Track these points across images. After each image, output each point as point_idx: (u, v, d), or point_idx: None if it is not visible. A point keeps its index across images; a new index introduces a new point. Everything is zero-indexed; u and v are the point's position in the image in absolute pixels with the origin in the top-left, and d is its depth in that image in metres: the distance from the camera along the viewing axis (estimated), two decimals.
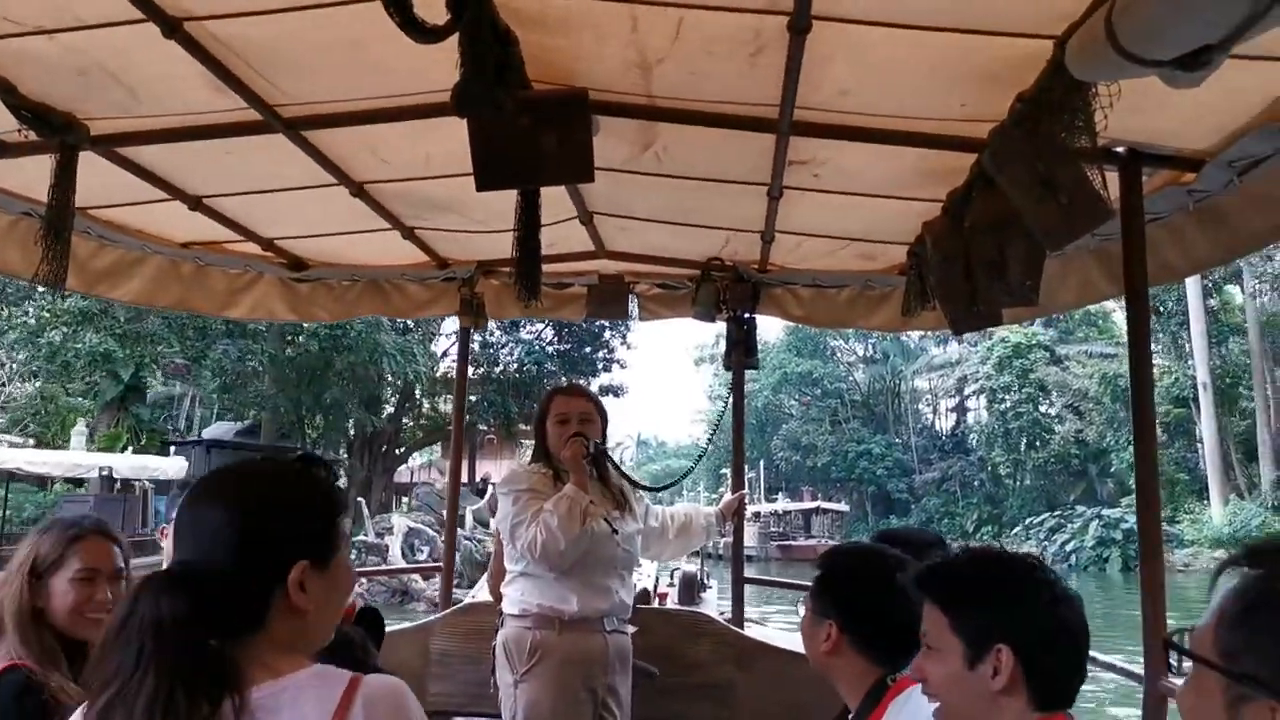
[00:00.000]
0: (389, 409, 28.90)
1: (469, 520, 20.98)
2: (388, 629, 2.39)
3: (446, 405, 29.11)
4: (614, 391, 29.14)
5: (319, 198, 3.08)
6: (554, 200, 2.95)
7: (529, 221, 2.61)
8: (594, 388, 28.69)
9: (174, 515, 1.15)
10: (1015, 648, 1.33)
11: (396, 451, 30.15)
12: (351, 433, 27.81)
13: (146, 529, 20.93)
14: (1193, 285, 31.33)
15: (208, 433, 28.38)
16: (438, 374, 28.38)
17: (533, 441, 3.21)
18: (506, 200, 2.69)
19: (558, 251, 3.63)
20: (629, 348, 30.58)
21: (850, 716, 1.84)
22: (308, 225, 3.48)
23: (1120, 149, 2.36)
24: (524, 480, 2.94)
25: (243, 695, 1.04)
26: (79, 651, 2.03)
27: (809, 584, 1.97)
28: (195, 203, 3.04)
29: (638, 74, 2.29)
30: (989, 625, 1.36)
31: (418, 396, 29.20)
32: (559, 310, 4.26)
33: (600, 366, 29.57)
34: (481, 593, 3.83)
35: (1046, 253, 2.35)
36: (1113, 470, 38.53)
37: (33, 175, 2.56)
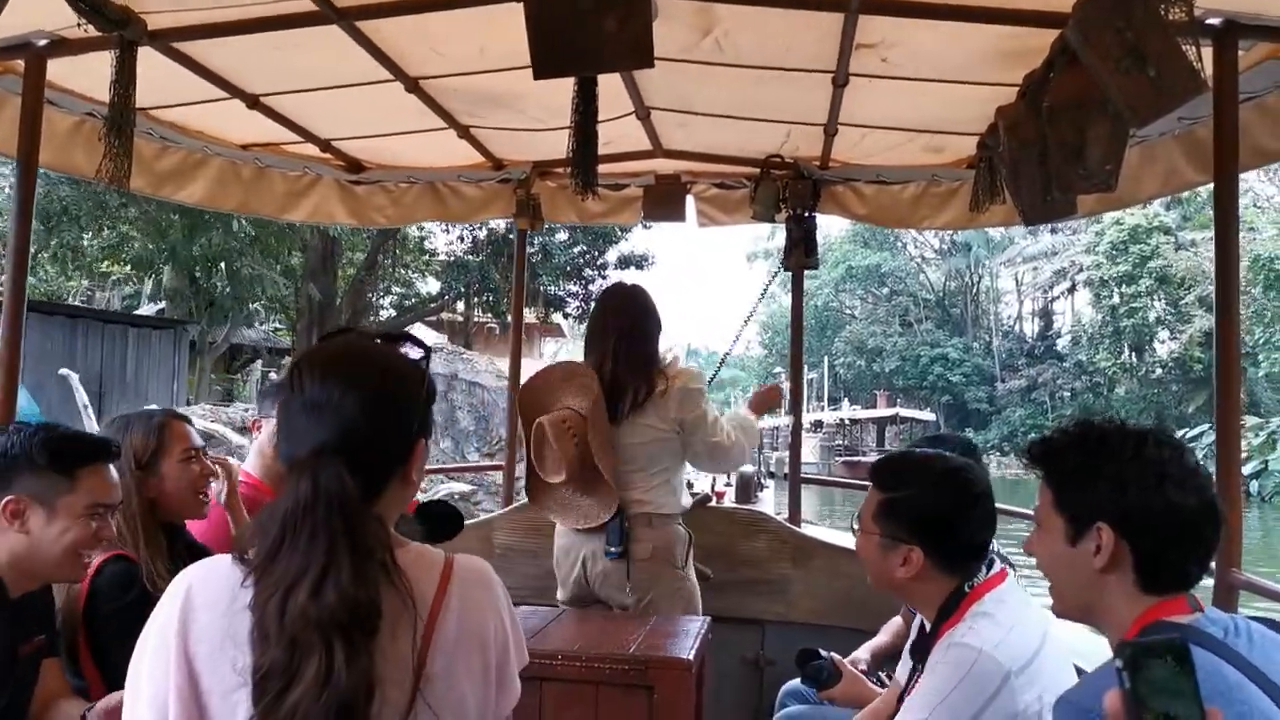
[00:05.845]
0: (343, 280, 20.71)
1: None
2: None
3: (427, 285, 23.33)
4: (636, 263, 22.34)
5: (374, 95, 3.05)
6: (610, 96, 2.86)
7: (587, 111, 2.55)
8: (612, 256, 21.76)
9: (297, 395, 1.13)
10: (1116, 527, 1.26)
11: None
12: (310, 299, 19.37)
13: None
14: None
15: (141, 312, 22.08)
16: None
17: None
18: (562, 96, 2.63)
19: (614, 150, 3.57)
20: None
21: (927, 629, 1.81)
22: (364, 125, 3.47)
23: (1215, 20, 2.21)
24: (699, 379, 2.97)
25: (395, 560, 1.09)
26: (174, 537, 2.12)
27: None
28: (253, 101, 3.03)
29: None
30: (1089, 502, 1.28)
31: (383, 261, 21.54)
32: (614, 214, 4.21)
33: (619, 231, 21.08)
34: None
35: (1129, 134, 2.23)
36: (1263, 374, 32.09)
37: (96, 78, 2.56)
